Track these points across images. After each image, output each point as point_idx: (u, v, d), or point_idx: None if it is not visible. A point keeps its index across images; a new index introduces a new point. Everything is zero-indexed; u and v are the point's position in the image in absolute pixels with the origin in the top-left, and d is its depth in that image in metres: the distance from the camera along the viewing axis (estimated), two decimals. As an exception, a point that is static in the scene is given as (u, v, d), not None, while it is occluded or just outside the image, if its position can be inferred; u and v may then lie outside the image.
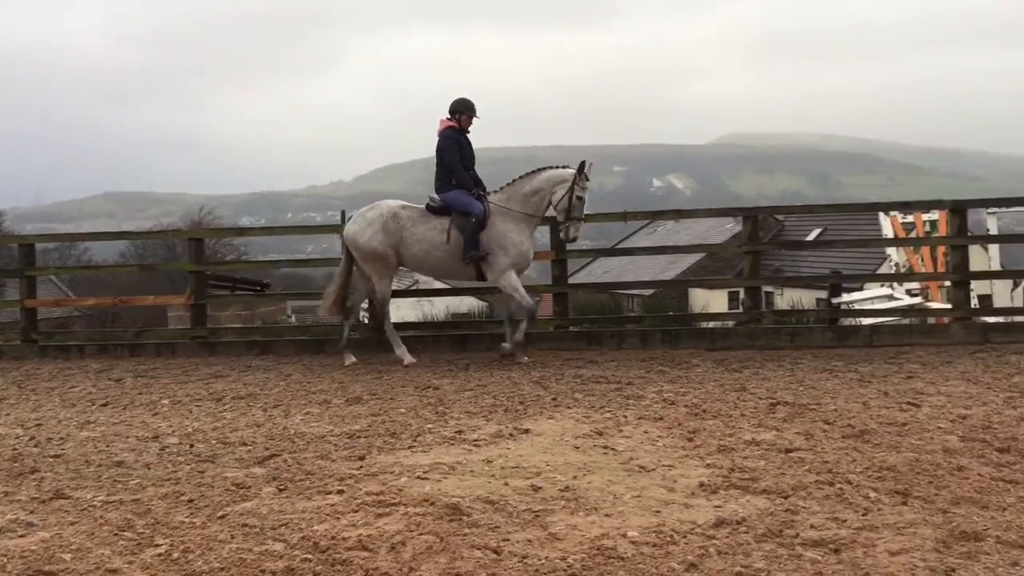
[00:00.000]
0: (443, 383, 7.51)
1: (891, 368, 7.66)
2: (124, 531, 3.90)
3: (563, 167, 8.84)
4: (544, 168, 8.89)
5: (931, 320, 10.30)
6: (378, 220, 8.73)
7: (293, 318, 22.67)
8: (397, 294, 14.73)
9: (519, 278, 8.73)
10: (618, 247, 28.80)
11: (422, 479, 4.56)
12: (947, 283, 10.95)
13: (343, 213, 9.79)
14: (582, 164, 8.71)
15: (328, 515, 4.00)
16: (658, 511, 3.97)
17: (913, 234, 13.73)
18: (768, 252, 32.02)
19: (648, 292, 25.06)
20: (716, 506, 4.02)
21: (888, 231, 13.65)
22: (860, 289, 13.88)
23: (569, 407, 6.34)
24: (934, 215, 12.98)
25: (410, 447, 5.30)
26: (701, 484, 4.34)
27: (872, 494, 4.07)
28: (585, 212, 8.73)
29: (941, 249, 12.15)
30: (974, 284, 10.82)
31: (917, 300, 12.45)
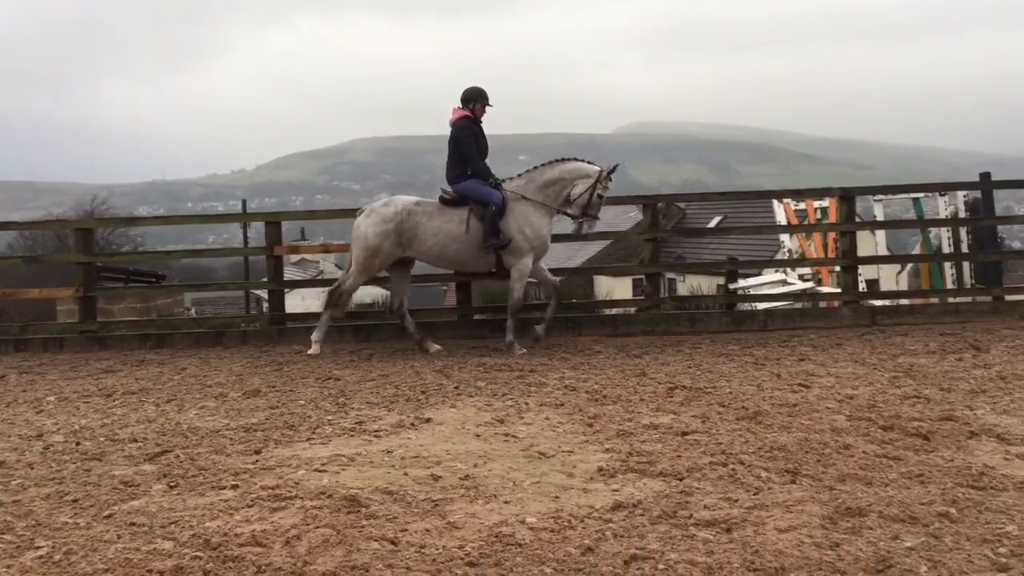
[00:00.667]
0: (344, 374, 7.41)
1: (784, 351, 7.89)
2: (3, 534, 3.72)
3: (588, 162, 8.80)
4: (568, 159, 8.82)
5: (822, 304, 10.65)
6: (393, 219, 8.52)
7: (192, 310, 22.11)
8: (300, 284, 14.47)
9: (538, 265, 8.80)
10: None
11: (320, 471, 4.48)
12: (837, 268, 11.33)
13: (244, 202, 9.55)
14: (614, 167, 8.77)
15: (221, 511, 3.90)
16: (557, 497, 4.00)
17: (805, 221, 14.20)
18: (669, 239, 32.67)
19: (556, 279, 25.20)
20: (614, 490, 4.07)
21: (781, 218, 14.07)
22: (757, 275, 14.28)
23: (471, 395, 6.33)
24: (825, 202, 13.44)
25: (308, 439, 5.21)
26: (600, 469, 4.38)
27: (763, 474, 4.17)
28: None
29: (831, 235, 12.58)
30: (862, 268, 11.25)
31: (809, 285, 12.86)
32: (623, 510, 3.76)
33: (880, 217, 12.66)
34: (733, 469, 4.26)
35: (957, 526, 3.41)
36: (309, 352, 8.54)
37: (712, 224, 34.04)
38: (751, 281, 12.66)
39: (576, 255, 36.77)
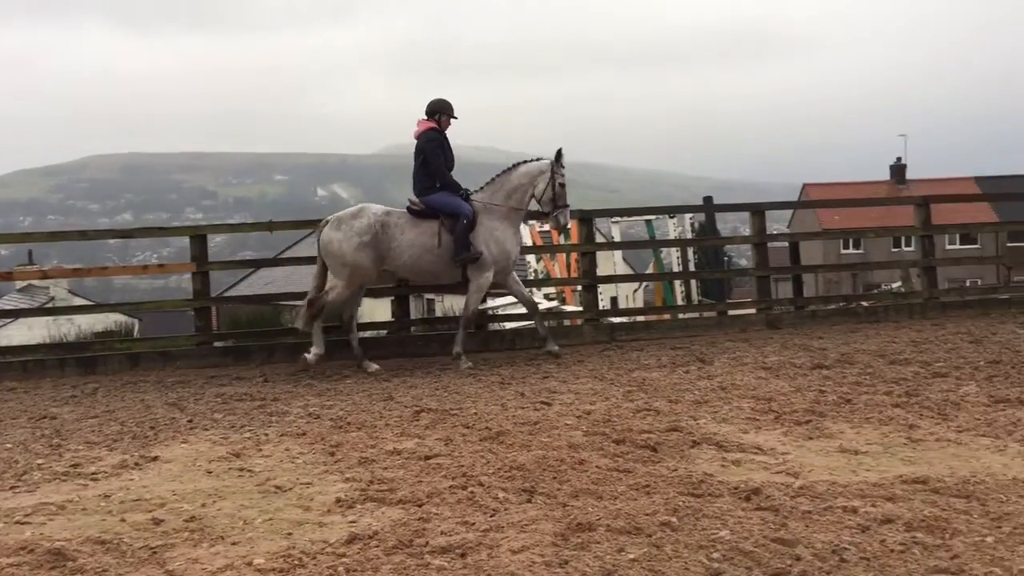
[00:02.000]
0: (63, 411, 6.76)
1: (530, 369, 8.08)
2: None
3: (536, 159, 8.83)
4: (519, 164, 8.88)
5: (566, 322, 11.04)
6: (368, 231, 8.30)
7: None
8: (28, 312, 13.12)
9: (507, 278, 8.83)
10: (280, 257, 28.00)
11: (22, 524, 4.02)
12: (579, 287, 11.81)
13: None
14: (558, 152, 8.79)
15: None
16: (290, 533, 3.81)
17: (550, 242, 14.74)
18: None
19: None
20: (351, 521, 3.94)
21: (527, 239, 14.51)
22: (505, 295, 14.62)
23: (206, 429, 5.97)
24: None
25: (12, 488, 4.67)
26: (338, 500, 4.23)
27: (501, 494, 4.20)
28: (233, 223, 8.30)
29: (574, 255, 13.12)
30: (602, 287, 11.80)
31: (554, 304, 13.32)
32: (358, 542, 3.63)
33: (617, 238, 13.36)
34: (472, 492, 4.25)
35: (677, 534, 3.57)
36: (307, 358, 8.27)
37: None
38: (499, 301, 12.91)
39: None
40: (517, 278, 9.14)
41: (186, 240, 9.26)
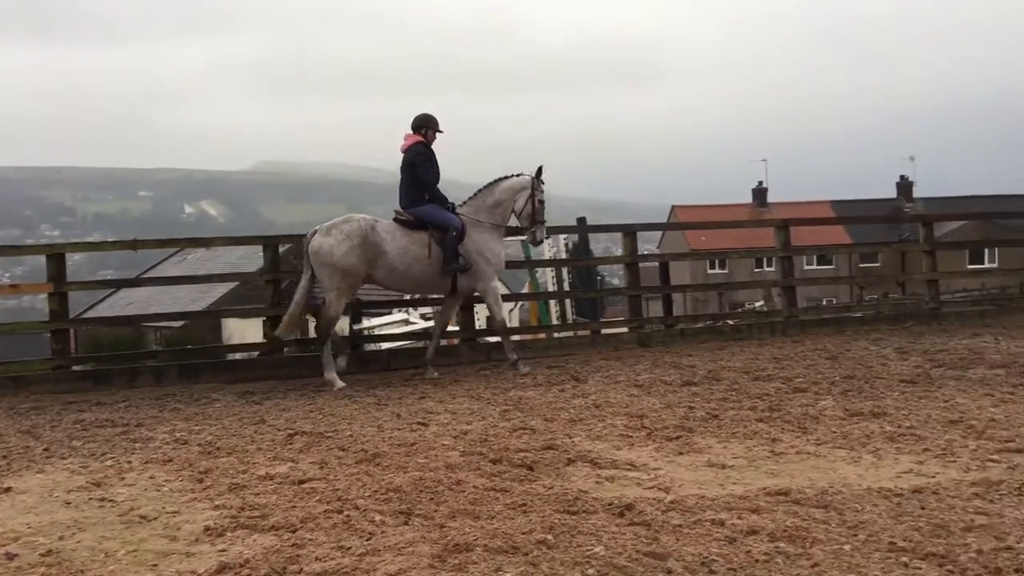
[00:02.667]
0: (-97, 442, 6.30)
1: (406, 390, 8.04)
2: None
3: (517, 175, 9.03)
4: (501, 179, 9.05)
5: (443, 342, 11.02)
6: (357, 234, 8.42)
7: None
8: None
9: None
10: (143, 276, 26.96)
11: None
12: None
13: None
14: (539, 169, 9.03)
15: None
16: (155, 565, 3.66)
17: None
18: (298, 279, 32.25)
19: (177, 324, 23.76)
20: (220, 550, 3.81)
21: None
22: (387, 314, 14.51)
23: (64, 457, 5.68)
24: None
25: None
26: (207, 528, 4.09)
27: (378, 517, 4.14)
28: (94, 240, 7.98)
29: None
30: (479, 307, 11.84)
31: (431, 324, 13.32)
32: (229, 572, 3.52)
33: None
34: (348, 515, 4.18)
35: (553, 552, 3.61)
36: (336, 388, 8.15)
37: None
38: (376, 321, 12.83)
39: (202, 297, 35.04)
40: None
41: (42, 258, 8.82)
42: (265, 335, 9.84)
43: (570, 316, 13.76)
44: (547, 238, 9.28)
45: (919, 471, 4.68)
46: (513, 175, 9.12)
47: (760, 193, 53.14)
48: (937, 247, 12.45)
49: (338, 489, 4.66)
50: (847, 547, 3.57)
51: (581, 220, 12.71)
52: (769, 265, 41.00)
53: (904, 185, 52.94)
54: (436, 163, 8.90)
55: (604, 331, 11.07)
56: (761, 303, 22.81)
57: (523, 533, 3.81)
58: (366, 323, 12.67)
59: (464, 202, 9.01)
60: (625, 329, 11.07)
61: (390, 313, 14.58)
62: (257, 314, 9.89)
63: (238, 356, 10.31)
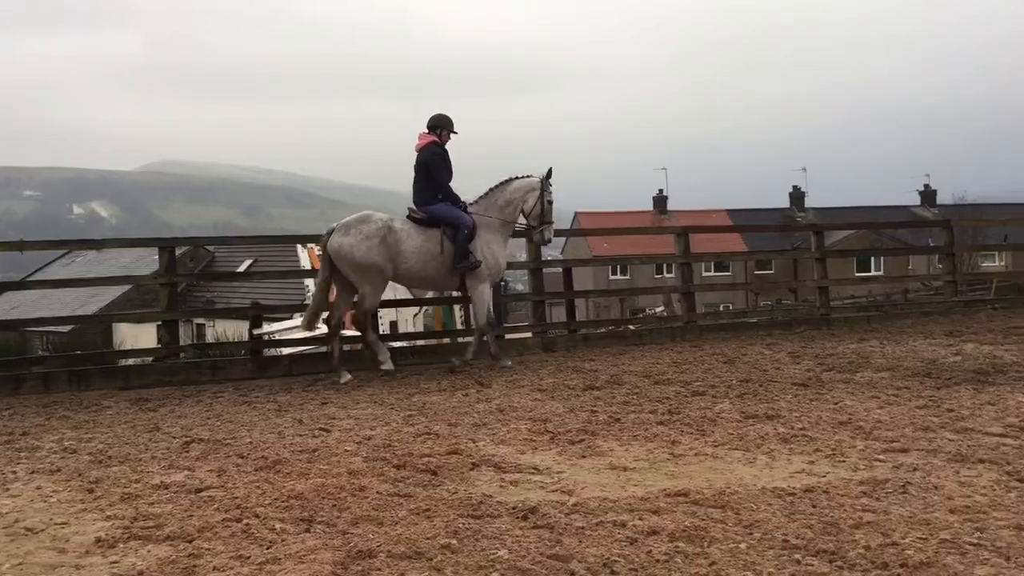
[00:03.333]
0: None
1: (308, 395, 7.91)
2: None
3: (527, 176, 9.27)
4: (512, 179, 9.27)
5: (346, 347, 10.89)
6: (376, 233, 8.62)
7: None
8: None
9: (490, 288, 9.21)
10: (29, 279, 25.80)
11: None
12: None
13: None
14: (549, 171, 9.25)
15: None
16: (42, 579, 3.51)
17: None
18: (195, 283, 31.47)
19: (66, 328, 22.82)
20: (112, 562, 3.68)
21: (306, 263, 14.22)
22: (288, 318, 14.24)
23: (-59, 469, 5.38)
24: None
25: None
26: (98, 540, 3.94)
27: (279, 525, 4.07)
28: None
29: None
30: (382, 311, 11.75)
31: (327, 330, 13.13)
32: (121, 584, 3.40)
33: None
34: (247, 524, 4.09)
35: (457, 556, 3.61)
36: (384, 368, 8.72)
37: (242, 268, 33.46)
38: (276, 326, 12.58)
39: (92, 301, 33.78)
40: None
41: (-81, 259, 8.37)
42: (160, 340, 9.52)
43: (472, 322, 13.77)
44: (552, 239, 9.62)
45: (810, 471, 4.84)
46: (523, 176, 9.38)
47: (660, 201, 54.28)
48: (827, 255, 12.94)
49: (237, 497, 4.55)
50: (743, 545, 3.67)
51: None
52: (669, 271, 41.94)
53: (796, 195, 54.85)
54: (450, 163, 9.15)
55: (508, 336, 11.11)
56: (661, 308, 23.30)
57: (427, 538, 3.80)
58: (267, 328, 12.41)
59: (475, 200, 9.25)
60: (529, 334, 11.15)
61: (291, 318, 14.31)
62: (151, 318, 9.56)
63: (131, 362, 9.96)
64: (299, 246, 14.53)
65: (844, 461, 5.01)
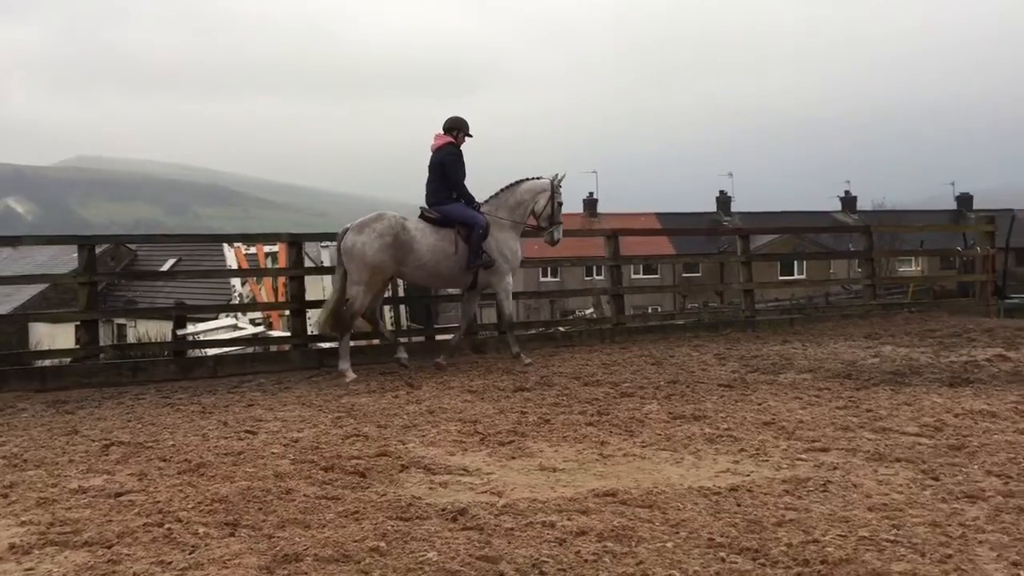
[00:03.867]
0: None
1: (233, 397, 7.76)
2: None
3: (537, 178, 9.53)
4: (522, 180, 9.51)
5: (273, 348, 10.75)
6: (390, 233, 8.74)
7: None
8: None
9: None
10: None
11: None
12: (287, 312, 11.55)
13: None
14: (562, 175, 9.55)
15: None
16: (-49, 588, 3.37)
17: (256, 265, 14.29)
18: (116, 282, 30.65)
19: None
20: (27, 569, 3.57)
21: (232, 262, 13.98)
22: (214, 319, 13.97)
23: None
24: (276, 247, 13.67)
25: None
26: (11, 546, 3.81)
27: (202, 530, 3.98)
28: None
29: (281, 279, 12.82)
30: (311, 312, 11.60)
31: (260, 329, 12.92)
32: (36, 592, 3.29)
33: (327, 262, 13.21)
34: (169, 528, 3.99)
35: (386, 559, 3.58)
36: (347, 380, 8.43)
37: (166, 267, 32.73)
38: (201, 327, 12.33)
39: (7, 300, 32.67)
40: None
41: None
42: (78, 340, 9.24)
43: (405, 322, 13.68)
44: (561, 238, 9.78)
45: (735, 470, 4.93)
46: (534, 178, 9.61)
47: (591, 204, 54.73)
48: (752, 259, 13.20)
49: (159, 501, 4.44)
50: (669, 544, 3.72)
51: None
52: (599, 274, 42.30)
53: (723, 200, 55.89)
54: (464, 164, 9.31)
55: (439, 337, 11.07)
56: (591, 310, 23.49)
57: (355, 541, 3.76)
58: (191, 328, 12.15)
59: (486, 200, 9.43)
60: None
61: (216, 318, 14.05)
62: (70, 318, 9.28)
63: (48, 363, 9.65)
64: (225, 245, 14.26)
65: (767, 460, 5.12)
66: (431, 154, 9.27)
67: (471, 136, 9.43)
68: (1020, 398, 6.68)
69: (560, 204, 9.66)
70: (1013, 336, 10.40)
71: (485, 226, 9.10)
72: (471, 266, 9.09)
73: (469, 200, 9.26)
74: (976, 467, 4.82)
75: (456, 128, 9.32)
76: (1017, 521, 3.92)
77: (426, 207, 9.22)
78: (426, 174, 9.32)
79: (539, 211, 9.56)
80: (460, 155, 9.30)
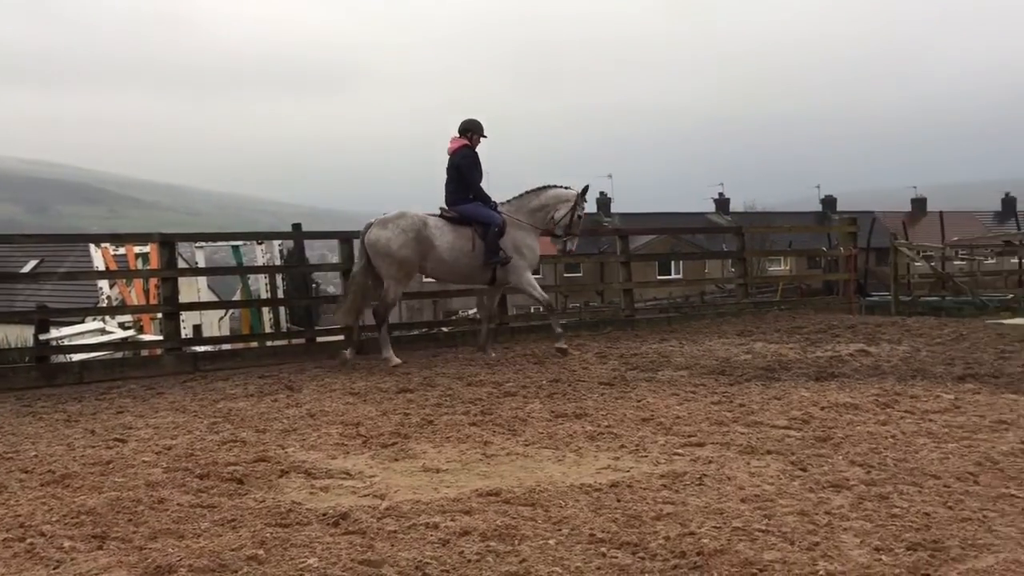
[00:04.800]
0: None
1: (101, 404, 7.44)
2: None
3: (566, 187, 9.82)
4: (548, 186, 9.80)
5: (144, 352, 10.34)
6: (412, 229, 9.12)
7: None
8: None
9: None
10: None
11: None
12: (159, 315, 11.13)
13: None
14: (585, 188, 9.98)
15: None
16: None
17: (127, 267, 13.72)
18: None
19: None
20: None
21: (99, 263, 13.39)
22: (80, 322, 13.33)
23: None
24: (147, 248, 13.16)
25: None
26: None
27: (67, 543, 3.80)
28: None
29: (153, 281, 12.35)
30: (185, 315, 11.23)
31: (130, 333, 12.41)
32: None
33: (201, 263, 12.81)
34: (32, 543, 3.80)
35: (264, 567, 3.49)
36: (392, 364, 8.91)
37: (26, 269, 31.06)
38: (66, 331, 11.75)
39: None
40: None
41: None
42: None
43: (284, 324, 13.39)
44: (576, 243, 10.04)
45: (616, 467, 5.03)
46: (560, 186, 9.89)
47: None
48: (632, 259, 13.49)
49: (20, 515, 4.22)
50: (552, 541, 3.75)
51: (296, 226, 12.43)
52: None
53: (603, 201, 56.91)
54: (480, 165, 9.58)
55: (320, 339, 10.89)
56: (474, 311, 23.53)
57: (232, 550, 3.66)
58: (55, 332, 11.55)
59: (508, 200, 9.74)
60: (341, 337, 10.95)
61: (83, 321, 13.41)
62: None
63: None
64: (92, 246, 13.64)
65: (646, 456, 5.23)
66: (447, 157, 9.59)
67: (485, 137, 9.74)
68: (881, 391, 7.04)
69: (580, 217, 9.92)
70: (874, 332, 10.97)
71: (501, 224, 9.45)
72: (489, 263, 9.45)
73: (485, 200, 9.61)
74: (841, 458, 5.05)
75: (471, 130, 9.64)
76: (879, 508, 4.13)
77: (444, 207, 9.57)
78: (443, 175, 9.68)
79: (559, 219, 9.83)
80: (476, 157, 9.64)
